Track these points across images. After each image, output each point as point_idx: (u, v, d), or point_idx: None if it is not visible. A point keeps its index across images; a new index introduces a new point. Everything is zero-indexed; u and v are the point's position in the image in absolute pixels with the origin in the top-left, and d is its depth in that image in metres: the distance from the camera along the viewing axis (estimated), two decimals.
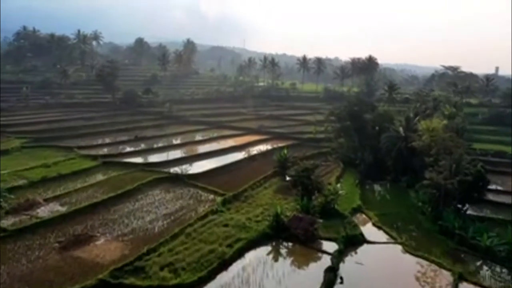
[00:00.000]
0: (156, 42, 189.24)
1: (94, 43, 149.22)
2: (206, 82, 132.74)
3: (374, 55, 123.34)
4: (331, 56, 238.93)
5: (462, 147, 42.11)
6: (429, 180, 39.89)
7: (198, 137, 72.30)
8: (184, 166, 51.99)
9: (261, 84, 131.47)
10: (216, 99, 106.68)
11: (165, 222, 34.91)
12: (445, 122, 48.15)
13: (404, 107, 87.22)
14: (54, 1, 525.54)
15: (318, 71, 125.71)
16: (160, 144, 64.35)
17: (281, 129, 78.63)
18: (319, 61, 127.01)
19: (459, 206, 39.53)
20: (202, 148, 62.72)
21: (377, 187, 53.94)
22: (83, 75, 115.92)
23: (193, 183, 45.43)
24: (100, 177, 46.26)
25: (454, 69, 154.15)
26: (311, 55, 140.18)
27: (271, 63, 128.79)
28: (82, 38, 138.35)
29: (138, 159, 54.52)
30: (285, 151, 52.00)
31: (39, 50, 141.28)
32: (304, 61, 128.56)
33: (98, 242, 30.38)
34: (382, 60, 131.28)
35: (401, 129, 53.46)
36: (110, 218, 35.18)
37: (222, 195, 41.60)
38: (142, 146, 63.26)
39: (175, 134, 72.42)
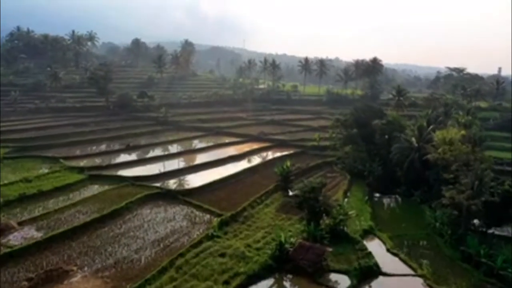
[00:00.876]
0: (156, 42, 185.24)
1: (89, 43, 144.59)
2: (205, 84, 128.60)
3: (374, 55, 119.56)
4: (331, 56, 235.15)
5: (485, 162, 38.02)
6: (449, 199, 35.82)
7: (195, 145, 68.21)
8: (178, 180, 48.21)
9: (261, 86, 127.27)
10: (215, 102, 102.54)
11: (153, 251, 30.75)
12: (463, 132, 43.98)
13: (412, 111, 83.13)
14: (55, 1, 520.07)
15: (321, 74, 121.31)
16: (153, 154, 60.08)
17: (282, 135, 74.46)
18: (321, 63, 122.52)
19: (483, 229, 35.59)
20: (198, 158, 58.57)
21: (387, 201, 50.17)
22: (76, 77, 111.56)
23: (187, 200, 41.33)
24: (85, 193, 42.09)
25: (460, 70, 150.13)
26: (311, 55, 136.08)
27: (271, 65, 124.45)
28: (77, 39, 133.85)
29: (129, 172, 50.28)
30: (288, 163, 47.83)
31: (34, 51, 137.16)
32: (306, 63, 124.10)
33: (73, 279, 26.22)
34: (383, 60, 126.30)
35: (413, 139, 49.33)
36: (91, 246, 31.05)
37: (219, 215, 37.53)
38: (134, 156, 58.96)
39: (170, 142, 68.20)
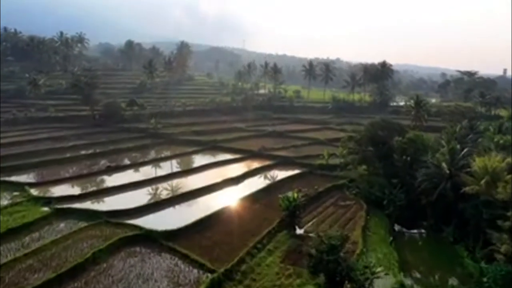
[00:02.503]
0: (155, 42, 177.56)
1: (79, 45, 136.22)
2: (201, 89, 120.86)
3: (375, 55, 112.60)
4: (332, 57, 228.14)
5: None
6: (505, 254, 27.97)
7: (187, 164, 59.93)
8: (162, 214, 40.47)
9: (261, 91, 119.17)
10: (212, 110, 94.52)
11: None
12: (508, 160, 36.08)
13: (429, 120, 74.97)
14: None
15: (326, 79, 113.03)
16: (137, 177, 51.18)
17: (286, 151, 66.47)
18: (327, 67, 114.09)
19: None
20: (190, 181, 50.41)
21: (412, 238, 42.68)
22: (63, 82, 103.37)
23: (171, 246, 33.26)
24: (45, 237, 33.96)
25: (471, 74, 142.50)
26: (311, 55, 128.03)
27: (273, 69, 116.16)
28: (65, 41, 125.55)
29: (105, 202, 42.41)
30: (295, 194, 39.85)
31: (21, 53, 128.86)
32: (310, 68, 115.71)
33: None
34: (384, 60, 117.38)
35: (444, 164, 41.33)
36: None
37: (209, 270, 29.62)
38: (115, 179, 50.37)
39: (159, 160, 60.17)
